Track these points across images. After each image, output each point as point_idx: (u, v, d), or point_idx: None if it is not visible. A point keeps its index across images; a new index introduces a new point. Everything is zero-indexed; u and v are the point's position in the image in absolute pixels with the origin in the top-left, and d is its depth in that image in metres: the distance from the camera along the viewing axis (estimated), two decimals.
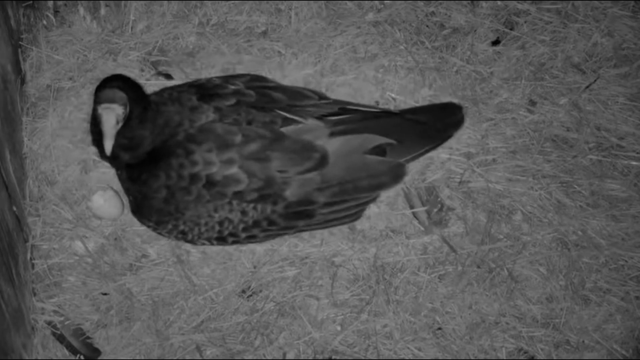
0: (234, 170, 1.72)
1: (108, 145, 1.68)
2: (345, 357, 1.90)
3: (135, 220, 1.91)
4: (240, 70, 2.21)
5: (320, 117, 1.82)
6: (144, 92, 1.79)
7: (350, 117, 1.85)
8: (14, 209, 1.88)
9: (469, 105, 2.18)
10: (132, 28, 2.29)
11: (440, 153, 2.10)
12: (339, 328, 1.93)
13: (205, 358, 1.89)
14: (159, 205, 1.76)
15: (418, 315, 1.94)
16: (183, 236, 1.83)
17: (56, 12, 2.28)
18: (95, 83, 2.15)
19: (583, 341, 1.92)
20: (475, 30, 2.31)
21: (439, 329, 1.93)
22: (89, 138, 2.05)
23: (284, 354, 1.90)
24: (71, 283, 1.95)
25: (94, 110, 1.71)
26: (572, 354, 1.91)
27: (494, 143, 2.14)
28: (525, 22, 2.32)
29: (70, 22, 2.28)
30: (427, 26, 2.32)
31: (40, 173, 2.06)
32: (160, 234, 1.87)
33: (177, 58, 2.24)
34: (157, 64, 2.22)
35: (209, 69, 2.21)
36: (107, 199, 1.96)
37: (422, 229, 2.04)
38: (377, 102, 2.19)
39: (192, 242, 1.86)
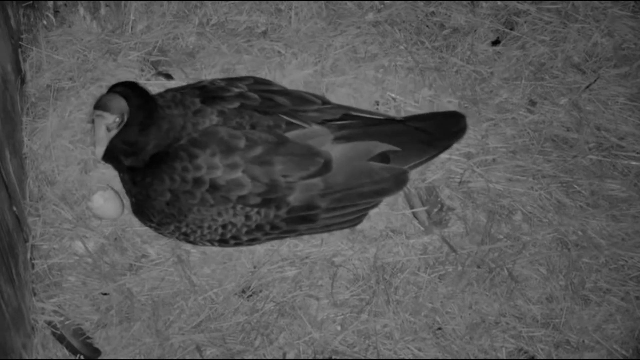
0: (238, 174, 1.72)
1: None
2: (345, 357, 1.90)
3: (135, 220, 1.91)
4: (240, 70, 2.21)
5: (323, 122, 1.82)
6: (151, 99, 1.77)
7: (354, 123, 1.84)
8: (14, 209, 1.88)
9: (469, 105, 2.18)
10: (132, 28, 2.29)
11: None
12: (339, 328, 1.93)
13: (205, 358, 1.89)
14: (161, 207, 1.76)
15: (418, 315, 1.94)
16: (185, 237, 1.83)
17: (56, 12, 2.28)
18: (95, 83, 2.17)
19: (583, 341, 1.92)
20: (475, 30, 2.31)
21: (439, 329, 1.93)
22: (89, 138, 2.06)
23: (284, 354, 1.90)
24: (71, 283, 1.95)
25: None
26: (572, 354, 1.91)
27: (494, 143, 2.14)
28: (525, 22, 2.32)
29: (70, 22, 2.28)
30: (427, 26, 2.32)
31: (40, 173, 2.06)
32: (161, 234, 1.87)
33: (177, 58, 2.24)
34: (157, 64, 2.22)
35: (209, 69, 2.21)
36: (107, 199, 1.96)
37: (422, 229, 2.04)
38: (377, 102, 2.20)
39: (193, 242, 1.86)
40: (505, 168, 2.10)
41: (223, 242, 1.83)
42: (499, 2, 2.36)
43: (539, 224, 2.04)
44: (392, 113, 2.17)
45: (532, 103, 2.21)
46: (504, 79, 2.24)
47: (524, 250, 2.00)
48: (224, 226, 1.78)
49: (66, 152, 2.09)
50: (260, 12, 2.32)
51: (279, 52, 2.25)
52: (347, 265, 1.99)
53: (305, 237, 2.00)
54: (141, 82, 2.17)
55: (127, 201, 1.99)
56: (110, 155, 1.77)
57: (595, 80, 2.23)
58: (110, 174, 2.05)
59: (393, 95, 2.21)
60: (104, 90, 2.14)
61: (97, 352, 1.90)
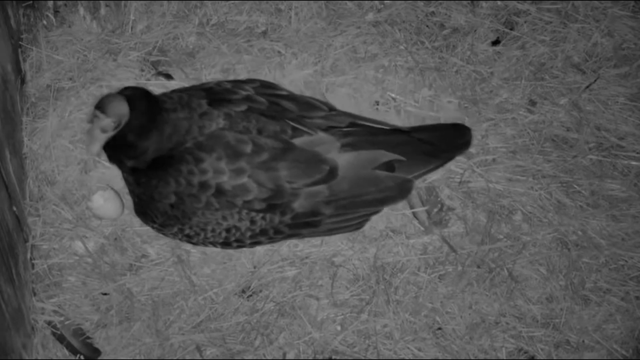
0: (244, 179, 1.71)
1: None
2: (345, 357, 1.90)
3: (135, 220, 1.91)
4: (240, 70, 2.21)
5: (329, 129, 1.81)
6: (156, 104, 1.73)
7: (359, 131, 1.83)
8: (14, 209, 1.88)
9: (469, 105, 2.18)
10: (132, 28, 2.29)
11: None
12: (339, 328, 1.93)
13: (205, 358, 1.89)
14: (165, 209, 1.75)
15: (418, 315, 1.94)
16: (187, 239, 1.83)
17: (56, 12, 2.28)
18: (95, 83, 2.17)
19: (583, 341, 1.92)
20: (475, 30, 2.31)
21: (439, 329, 1.93)
22: (85, 136, 2.05)
23: (284, 354, 1.90)
24: (71, 283, 1.95)
25: None
26: (572, 354, 1.91)
27: (494, 143, 2.14)
28: (525, 22, 2.32)
29: (70, 22, 2.28)
30: (427, 26, 2.32)
31: (40, 173, 2.06)
32: (164, 234, 1.87)
33: (177, 58, 2.24)
34: (157, 64, 2.22)
35: (209, 69, 2.21)
36: (107, 199, 1.96)
37: (422, 229, 2.04)
38: (377, 102, 2.20)
39: (196, 244, 1.86)
40: (505, 168, 2.10)
41: (226, 244, 1.83)
42: (499, 2, 2.36)
43: (539, 224, 2.04)
44: (392, 113, 2.17)
45: (532, 103, 2.21)
46: (504, 79, 2.24)
47: (524, 250, 2.00)
48: (228, 230, 1.78)
49: (66, 152, 2.09)
50: (260, 12, 2.32)
51: (279, 52, 2.25)
52: (347, 265, 1.99)
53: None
54: (141, 82, 2.17)
55: (127, 201, 1.99)
56: (113, 156, 1.77)
57: (595, 80, 2.23)
58: (110, 174, 2.05)
59: (393, 95, 2.21)
60: (104, 90, 2.15)
61: (97, 352, 1.90)
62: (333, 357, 1.90)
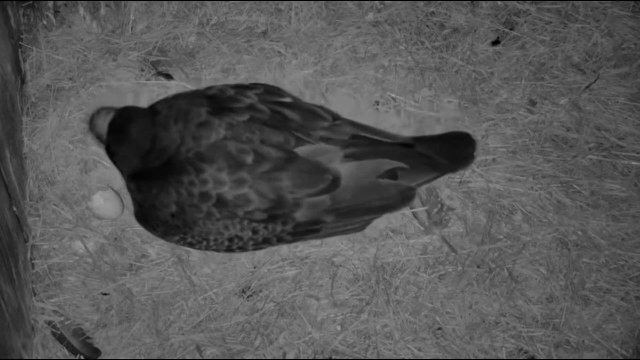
0: (245, 190, 1.70)
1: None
2: (345, 357, 1.90)
3: (135, 220, 1.91)
4: (240, 70, 2.21)
5: (330, 140, 1.80)
6: (142, 121, 1.78)
7: (362, 142, 1.83)
8: (14, 209, 1.88)
9: (469, 105, 2.18)
10: (132, 28, 2.29)
11: None
12: (339, 328, 1.93)
13: (205, 358, 1.89)
14: (166, 218, 1.75)
15: (418, 315, 1.94)
16: (190, 247, 1.82)
17: (56, 12, 2.28)
18: (95, 83, 2.17)
19: (583, 341, 1.92)
20: (475, 30, 2.31)
21: (439, 329, 1.93)
22: (89, 138, 2.05)
23: (284, 354, 1.90)
24: (71, 283, 1.96)
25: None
26: (572, 354, 1.91)
27: (494, 143, 2.14)
28: (525, 22, 2.32)
29: (70, 22, 2.28)
30: (427, 26, 2.32)
31: (40, 173, 2.06)
32: (167, 240, 1.86)
33: (177, 58, 2.24)
34: (157, 64, 2.22)
35: (209, 69, 2.21)
36: (107, 199, 1.96)
37: (422, 229, 2.04)
38: (377, 102, 2.20)
39: (199, 249, 1.86)
40: (505, 168, 2.11)
41: (229, 251, 1.83)
42: (499, 2, 2.36)
43: (539, 224, 2.04)
44: (392, 113, 2.17)
45: (532, 103, 2.21)
46: (504, 79, 2.24)
47: (524, 250, 2.00)
48: (230, 239, 1.77)
49: (66, 152, 2.09)
50: (260, 12, 2.32)
51: (279, 52, 2.25)
52: (347, 265, 1.99)
53: None
54: (141, 82, 2.17)
55: (127, 201, 1.99)
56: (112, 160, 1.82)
57: (595, 80, 2.23)
58: (110, 174, 2.05)
59: (393, 95, 2.21)
60: (104, 90, 2.16)
61: (97, 352, 1.90)
62: (333, 357, 1.90)
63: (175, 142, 1.73)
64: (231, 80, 2.18)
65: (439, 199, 2.06)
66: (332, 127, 1.81)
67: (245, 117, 1.76)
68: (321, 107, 1.87)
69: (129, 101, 2.11)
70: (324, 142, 1.78)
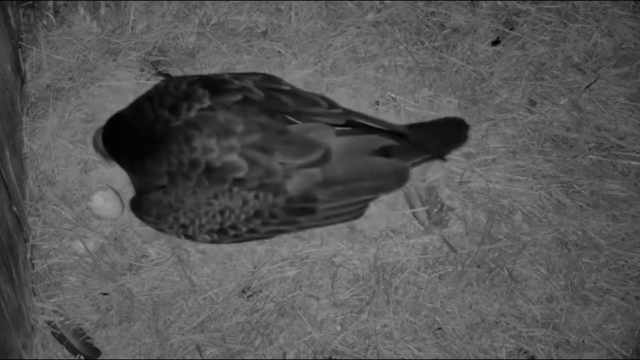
0: (234, 157, 1.70)
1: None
2: (345, 357, 1.90)
3: (135, 220, 1.91)
4: (240, 70, 2.21)
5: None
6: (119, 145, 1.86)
7: (356, 129, 1.82)
8: (14, 209, 1.88)
9: (469, 105, 2.18)
10: (132, 28, 2.29)
11: None
12: (339, 328, 1.93)
13: (205, 358, 1.89)
14: (158, 197, 1.75)
15: (418, 315, 1.94)
16: (184, 230, 1.80)
17: (56, 12, 2.28)
18: (95, 83, 2.17)
19: (583, 341, 1.92)
20: (475, 30, 2.31)
21: (439, 329, 1.93)
22: (89, 138, 2.05)
23: (284, 354, 1.90)
24: (71, 283, 1.96)
25: None
26: (572, 354, 1.91)
27: (494, 143, 2.14)
28: (525, 22, 2.32)
29: (70, 22, 2.28)
30: (427, 26, 2.32)
31: (40, 173, 2.06)
32: (161, 229, 1.84)
33: (177, 58, 2.24)
34: (157, 64, 2.23)
35: (209, 69, 2.21)
36: (107, 199, 1.96)
37: (422, 229, 2.04)
38: (377, 102, 2.20)
39: (193, 237, 1.82)
40: (505, 168, 2.11)
41: (222, 232, 1.80)
42: (499, 2, 2.36)
43: (539, 224, 2.04)
44: (392, 113, 2.17)
45: (532, 103, 2.21)
46: (504, 79, 2.24)
47: (524, 250, 2.00)
48: (221, 212, 1.75)
49: (66, 152, 2.09)
50: (260, 12, 2.32)
51: (279, 52, 2.25)
52: (347, 265, 1.99)
53: (305, 237, 2.00)
54: (141, 82, 2.17)
55: (127, 201, 1.99)
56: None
57: (595, 80, 2.23)
58: (110, 174, 2.05)
59: (393, 95, 2.21)
60: (104, 90, 2.16)
61: (97, 352, 1.90)
62: (333, 357, 1.90)
63: (148, 118, 1.76)
64: None
65: (439, 199, 2.06)
66: (327, 113, 1.81)
67: (238, 97, 1.76)
68: (319, 95, 1.87)
69: (129, 101, 2.11)
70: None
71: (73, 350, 1.89)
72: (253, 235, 1.82)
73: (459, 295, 1.96)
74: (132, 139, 1.80)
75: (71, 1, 2.27)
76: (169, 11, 2.31)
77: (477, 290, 1.96)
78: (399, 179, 1.83)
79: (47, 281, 1.95)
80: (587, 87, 2.22)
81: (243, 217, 1.76)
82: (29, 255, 1.95)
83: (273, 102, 1.78)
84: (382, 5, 2.34)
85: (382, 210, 2.04)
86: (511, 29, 2.32)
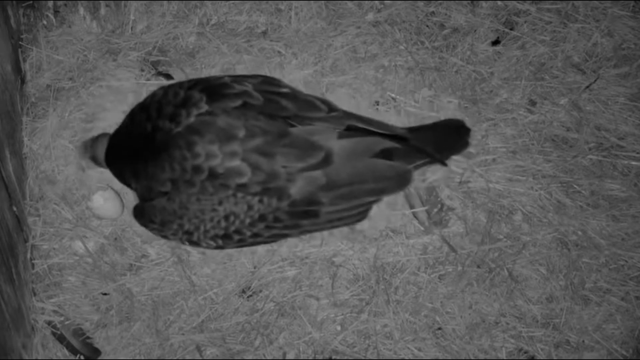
0: (236, 162, 1.70)
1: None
2: (345, 357, 1.90)
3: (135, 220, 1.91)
4: (240, 70, 2.21)
5: None
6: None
7: (357, 132, 1.82)
8: (14, 208, 1.88)
9: (469, 105, 2.18)
10: (132, 28, 2.29)
11: None
12: (339, 328, 1.93)
13: (205, 358, 1.89)
14: (162, 204, 1.74)
15: (418, 315, 1.94)
16: (188, 236, 1.79)
17: (56, 12, 2.28)
18: (95, 83, 2.17)
19: (583, 341, 1.92)
20: (475, 30, 2.31)
21: (439, 329, 1.93)
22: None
23: (284, 354, 1.90)
24: (71, 283, 1.96)
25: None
26: (572, 354, 1.91)
27: (494, 143, 2.14)
28: (525, 22, 2.32)
29: (70, 22, 2.28)
30: (427, 26, 2.32)
31: (40, 173, 2.06)
32: (165, 236, 1.83)
33: (177, 58, 2.24)
34: (157, 64, 2.23)
35: (209, 69, 2.21)
36: (107, 199, 1.96)
37: (422, 229, 2.04)
38: (377, 102, 2.20)
39: (197, 243, 1.81)
40: (505, 168, 2.11)
41: (227, 237, 1.80)
42: (499, 2, 2.36)
43: (539, 224, 2.04)
44: (392, 113, 2.17)
45: (532, 103, 2.21)
46: (504, 79, 2.24)
47: (524, 250, 2.00)
48: (226, 217, 1.75)
49: (66, 152, 2.09)
50: (260, 12, 2.32)
51: (279, 52, 2.25)
52: (347, 265, 1.99)
53: (305, 237, 2.00)
54: (141, 82, 2.17)
55: (127, 201, 2.00)
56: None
57: (595, 80, 2.23)
58: (110, 173, 2.05)
59: (393, 95, 2.21)
60: (104, 90, 2.16)
61: (97, 352, 1.90)
62: (333, 357, 1.90)
63: (141, 124, 1.77)
64: None
65: (439, 199, 2.06)
66: (328, 118, 1.81)
67: (238, 103, 1.76)
68: (319, 98, 1.86)
69: (129, 101, 2.11)
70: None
71: (73, 350, 1.89)
72: (257, 239, 1.82)
73: (459, 295, 1.96)
74: (133, 147, 1.79)
75: (71, 1, 2.27)
76: (169, 11, 2.31)
77: (477, 290, 1.97)
78: (401, 181, 1.83)
79: (47, 281, 1.95)
80: (587, 87, 2.22)
81: (248, 221, 1.76)
82: (29, 255, 1.95)
83: (273, 106, 1.78)
84: (382, 5, 2.34)
85: (382, 210, 2.04)
86: (511, 29, 2.32)
